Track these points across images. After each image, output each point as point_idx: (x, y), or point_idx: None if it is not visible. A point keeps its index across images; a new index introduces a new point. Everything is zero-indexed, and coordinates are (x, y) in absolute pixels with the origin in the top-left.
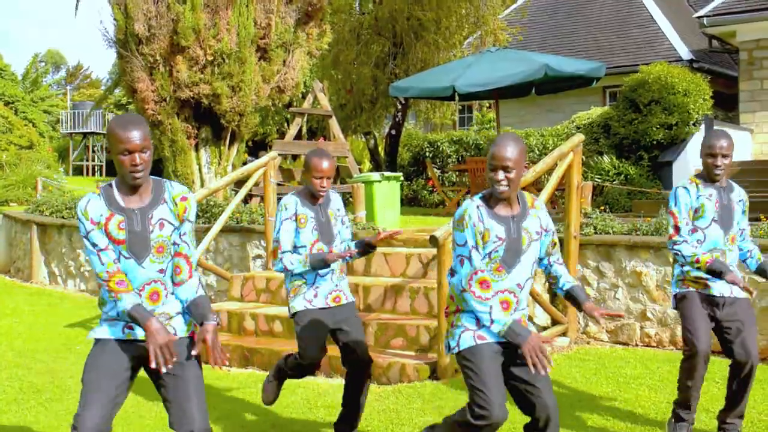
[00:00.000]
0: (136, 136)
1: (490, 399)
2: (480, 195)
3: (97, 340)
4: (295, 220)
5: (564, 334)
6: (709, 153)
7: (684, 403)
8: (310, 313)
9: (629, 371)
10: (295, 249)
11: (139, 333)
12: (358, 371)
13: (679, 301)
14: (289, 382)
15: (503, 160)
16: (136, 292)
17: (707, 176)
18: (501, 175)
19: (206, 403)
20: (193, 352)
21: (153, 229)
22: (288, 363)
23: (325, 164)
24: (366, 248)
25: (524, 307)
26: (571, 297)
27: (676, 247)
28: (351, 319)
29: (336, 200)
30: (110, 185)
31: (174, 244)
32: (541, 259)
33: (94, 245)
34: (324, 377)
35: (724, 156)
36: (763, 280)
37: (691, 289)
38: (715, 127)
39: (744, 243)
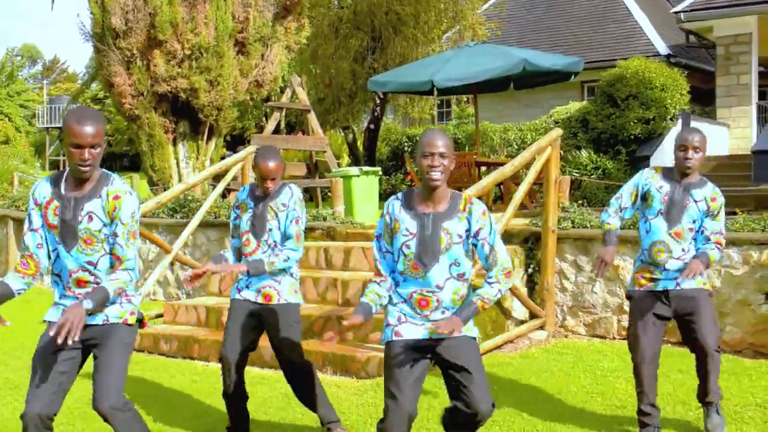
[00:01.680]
0: (88, 131)
1: (396, 394)
2: (405, 190)
3: (48, 323)
4: (237, 207)
5: (542, 327)
6: (681, 145)
7: (640, 409)
8: (238, 303)
9: (606, 364)
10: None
11: None
12: (288, 373)
13: (628, 300)
14: (268, 377)
15: (437, 147)
16: (66, 277)
17: (676, 169)
18: (436, 161)
19: (120, 382)
20: (123, 339)
21: (81, 220)
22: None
23: (271, 164)
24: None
25: (455, 308)
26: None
27: (604, 211)
28: (278, 321)
29: (285, 196)
30: (62, 172)
31: (108, 242)
32: (486, 269)
33: (29, 223)
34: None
35: (695, 149)
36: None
37: (636, 288)
38: (687, 127)
39: (703, 243)
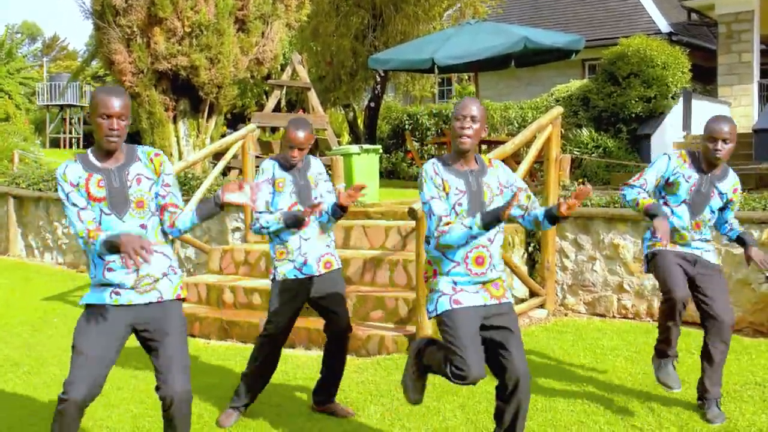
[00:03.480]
0: (116, 102)
1: (467, 360)
2: (438, 156)
3: (88, 306)
4: (273, 184)
5: (542, 306)
6: (710, 137)
7: (665, 340)
8: (293, 282)
9: (606, 343)
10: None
11: (125, 298)
12: (338, 339)
13: (651, 259)
14: None
15: (470, 110)
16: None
17: (704, 159)
18: (468, 123)
19: (189, 368)
20: (180, 318)
21: (131, 184)
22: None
23: (301, 134)
24: (338, 210)
25: (499, 266)
26: (549, 215)
27: (624, 189)
28: (335, 288)
29: (316, 165)
30: (86, 153)
31: (159, 196)
32: (522, 217)
33: (74, 205)
34: (303, 350)
35: (725, 141)
36: (740, 251)
37: (659, 247)
38: (718, 115)
39: (725, 225)
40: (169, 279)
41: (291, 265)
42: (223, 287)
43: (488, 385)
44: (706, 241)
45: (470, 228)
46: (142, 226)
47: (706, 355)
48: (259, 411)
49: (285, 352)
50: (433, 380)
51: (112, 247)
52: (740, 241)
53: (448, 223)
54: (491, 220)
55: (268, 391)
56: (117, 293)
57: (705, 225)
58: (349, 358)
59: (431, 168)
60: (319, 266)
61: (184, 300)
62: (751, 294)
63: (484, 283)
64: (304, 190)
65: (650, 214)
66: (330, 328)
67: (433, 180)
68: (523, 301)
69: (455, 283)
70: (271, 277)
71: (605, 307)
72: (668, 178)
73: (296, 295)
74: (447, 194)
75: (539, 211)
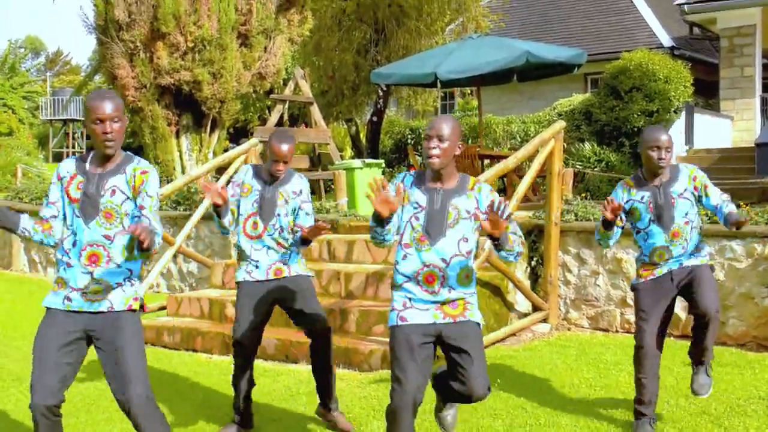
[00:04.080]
0: (108, 106)
1: (400, 377)
2: (418, 170)
3: (48, 309)
4: (240, 186)
5: (545, 320)
6: (653, 146)
7: (639, 399)
8: (249, 285)
9: (609, 357)
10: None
11: (76, 304)
12: (316, 341)
13: (633, 292)
14: (270, 369)
15: (438, 129)
16: (78, 251)
17: (648, 171)
18: (434, 143)
19: (146, 369)
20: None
21: (104, 193)
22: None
23: (284, 147)
24: (302, 241)
25: (462, 288)
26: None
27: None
28: (296, 290)
29: (296, 183)
30: (89, 153)
31: (134, 216)
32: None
33: (47, 197)
34: (305, 365)
35: (667, 149)
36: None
37: (641, 280)
38: (651, 125)
39: (719, 211)
40: (122, 290)
41: (243, 269)
42: (225, 302)
43: (492, 400)
44: (694, 250)
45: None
46: (107, 237)
47: (696, 334)
48: (260, 425)
49: (287, 366)
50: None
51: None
52: (733, 223)
53: (405, 245)
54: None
55: (270, 405)
56: (69, 299)
57: (684, 231)
58: (351, 372)
59: (403, 177)
60: (268, 273)
61: (142, 309)
62: (755, 308)
63: (437, 302)
64: (268, 204)
65: (602, 221)
66: (306, 332)
67: (395, 184)
68: (526, 315)
69: (409, 299)
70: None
71: (608, 322)
72: (625, 209)
73: (256, 299)
74: (403, 206)
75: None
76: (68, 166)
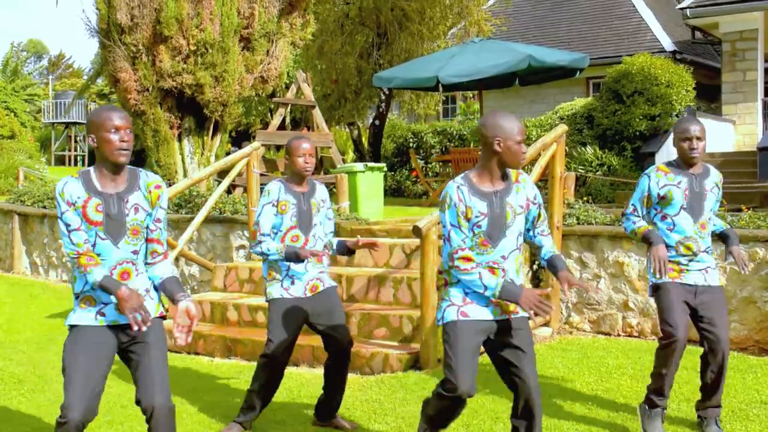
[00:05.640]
0: (122, 116)
1: (457, 375)
2: (462, 174)
3: (74, 326)
4: (276, 206)
5: (546, 324)
6: (684, 137)
7: (658, 390)
8: (286, 302)
9: (611, 361)
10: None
11: (110, 318)
12: (339, 356)
13: (655, 290)
14: None
15: (523, 133)
16: (108, 270)
17: (682, 161)
18: (523, 147)
19: (169, 380)
20: (159, 332)
21: (128, 212)
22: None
23: (306, 144)
24: (345, 251)
25: (514, 277)
26: (551, 265)
27: (624, 223)
28: (329, 306)
29: (321, 191)
30: (88, 171)
31: (148, 229)
32: (527, 230)
33: (67, 225)
34: (307, 367)
35: (699, 139)
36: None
37: (666, 279)
38: (683, 116)
39: (715, 222)
40: (150, 297)
41: (278, 285)
42: (227, 305)
43: (493, 404)
44: (710, 251)
45: (486, 288)
46: (135, 252)
47: (705, 377)
48: (262, 427)
49: (289, 369)
50: None
51: (107, 291)
52: (724, 236)
53: (463, 258)
54: (507, 296)
55: (272, 408)
56: (102, 314)
57: (708, 226)
58: (353, 376)
59: (455, 194)
60: (306, 290)
61: (164, 318)
62: (757, 312)
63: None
64: (305, 215)
65: (647, 241)
66: (330, 347)
67: (457, 207)
68: (528, 319)
69: (466, 294)
70: (265, 299)
71: (610, 326)
72: (659, 194)
73: (291, 314)
74: (468, 220)
75: (546, 254)
76: (74, 189)
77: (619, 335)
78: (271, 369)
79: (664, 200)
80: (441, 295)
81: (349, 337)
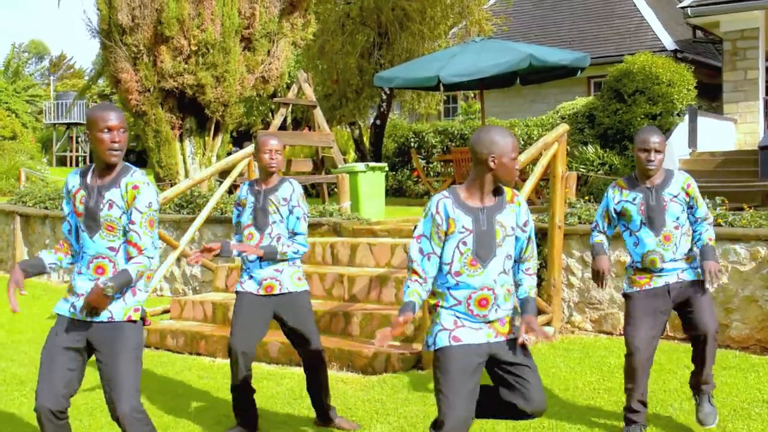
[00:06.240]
0: (116, 116)
1: (451, 403)
2: (449, 188)
3: (58, 315)
4: (239, 205)
5: (548, 323)
6: (642, 148)
7: (628, 407)
8: (242, 296)
9: (613, 360)
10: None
11: (76, 312)
12: (309, 364)
13: (625, 300)
14: (274, 373)
15: (517, 149)
16: (85, 263)
17: (639, 173)
18: (517, 163)
19: (137, 385)
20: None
21: (102, 207)
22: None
23: (273, 141)
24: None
25: (506, 304)
26: (522, 305)
27: (590, 239)
28: (293, 315)
29: (285, 189)
30: (91, 166)
31: (126, 231)
32: (515, 261)
33: (62, 211)
34: None
35: (657, 151)
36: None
37: (635, 288)
38: (646, 126)
39: (697, 225)
40: (123, 300)
41: (240, 279)
42: (228, 305)
43: None
44: (683, 259)
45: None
46: (111, 249)
47: (696, 360)
48: (265, 429)
49: (290, 369)
50: None
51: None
52: (701, 252)
53: (416, 272)
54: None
55: (274, 409)
56: (74, 307)
57: (675, 236)
58: (355, 376)
59: (435, 205)
60: (259, 288)
61: (143, 322)
62: (759, 311)
63: (488, 321)
64: (260, 214)
65: (592, 254)
66: (300, 355)
67: (433, 219)
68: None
69: (458, 317)
70: None
71: (612, 325)
72: (615, 209)
73: (246, 307)
74: (449, 235)
75: (521, 294)
76: (74, 179)
77: (620, 334)
78: (234, 360)
79: (624, 216)
80: (432, 318)
81: (316, 349)
